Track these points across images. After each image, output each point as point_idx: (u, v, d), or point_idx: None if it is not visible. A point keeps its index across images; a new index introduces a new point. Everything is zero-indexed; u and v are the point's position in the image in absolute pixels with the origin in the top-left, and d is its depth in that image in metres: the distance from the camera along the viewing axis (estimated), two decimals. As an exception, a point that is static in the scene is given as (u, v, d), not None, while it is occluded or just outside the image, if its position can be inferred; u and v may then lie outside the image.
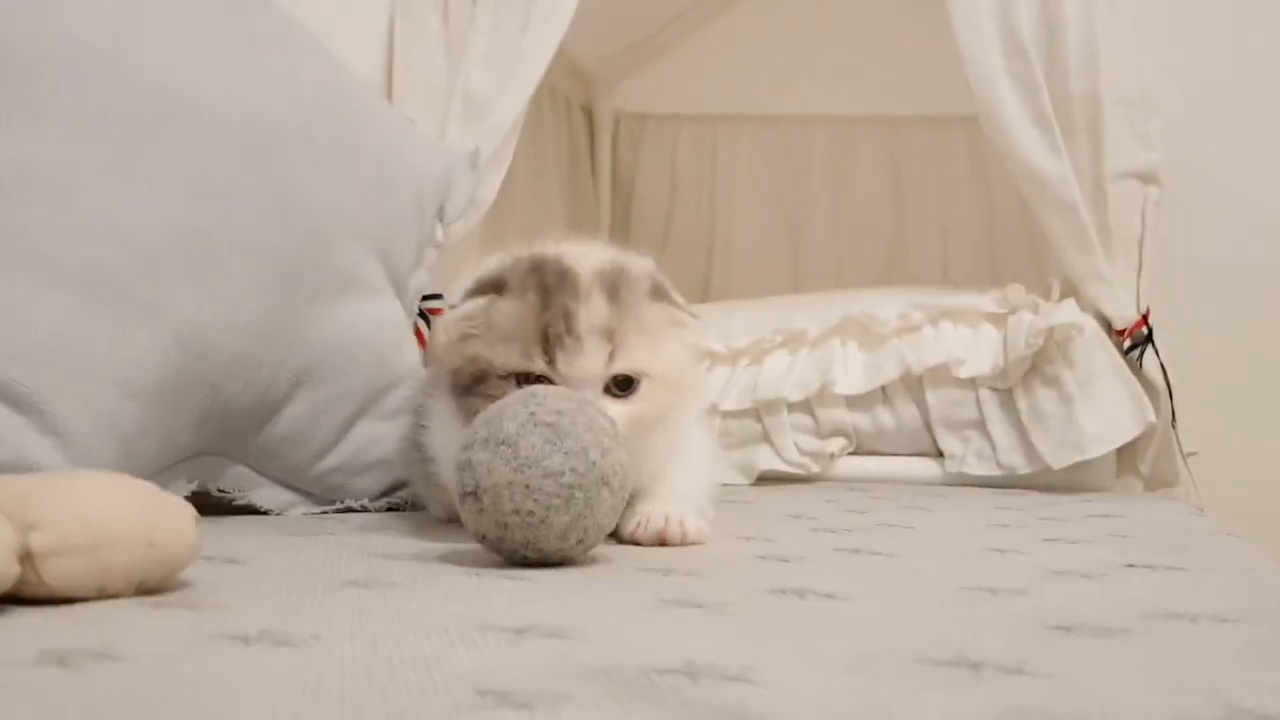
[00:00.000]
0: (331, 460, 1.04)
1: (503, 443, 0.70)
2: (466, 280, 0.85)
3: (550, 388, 0.78)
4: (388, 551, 0.78)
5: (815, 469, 1.47)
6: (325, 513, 1.04)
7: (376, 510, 1.07)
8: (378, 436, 1.07)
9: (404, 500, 1.09)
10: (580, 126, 2.30)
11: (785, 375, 1.50)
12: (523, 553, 0.71)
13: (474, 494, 0.71)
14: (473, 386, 0.82)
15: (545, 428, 0.70)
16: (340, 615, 0.54)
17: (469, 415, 0.79)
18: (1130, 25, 1.47)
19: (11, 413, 0.78)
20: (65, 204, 0.81)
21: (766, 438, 1.48)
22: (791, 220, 2.30)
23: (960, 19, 1.48)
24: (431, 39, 1.63)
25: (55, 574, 0.53)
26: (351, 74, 1.19)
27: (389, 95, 1.60)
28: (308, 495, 1.05)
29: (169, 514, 0.58)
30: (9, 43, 0.80)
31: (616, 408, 0.80)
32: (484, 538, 0.72)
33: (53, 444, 0.79)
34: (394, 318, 1.13)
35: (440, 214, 1.33)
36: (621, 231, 2.30)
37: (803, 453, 1.47)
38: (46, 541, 0.53)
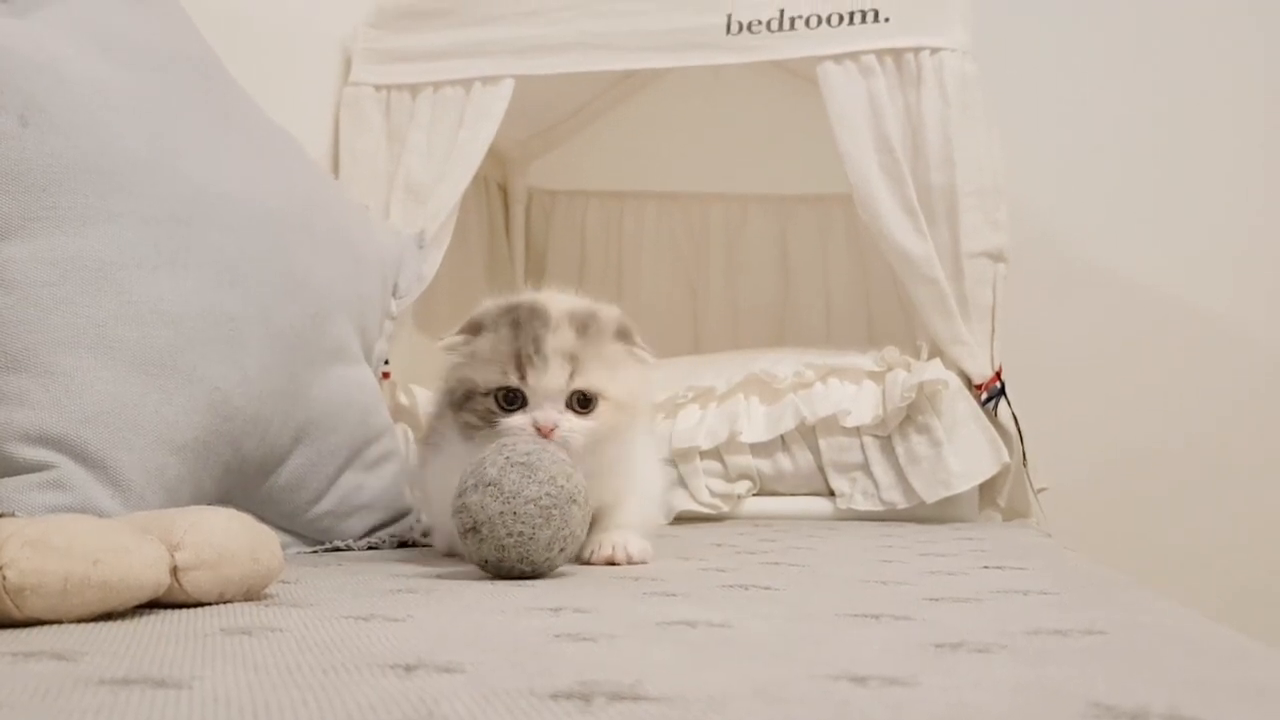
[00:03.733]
0: (323, 506, 1.19)
1: (489, 484, 0.87)
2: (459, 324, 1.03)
3: (517, 437, 0.94)
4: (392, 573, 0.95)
5: (725, 509, 1.64)
6: (315, 551, 1.20)
7: (359, 549, 1.23)
8: (361, 484, 1.23)
9: (382, 540, 1.26)
10: (497, 201, 2.44)
11: (697, 426, 1.66)
12: (519, 568, 0.87)
13: (474, 529, 0.87)
14: (463, 402, 1.00)
15: (520, 466, 0.88)
16: (408, 605, 0.71)
17: (462, 427, 0.99)
18: (983, 129, 1.66)
19: (81, 468, 0.93)
20: (123, 293, 0.97)
21: (682, 482, 1.64)
22: (691, 287, 2.43)
23: (837, 122, 1.67)
24: (375, 131, 1.78)
25: (192, 583, 0.70)
26: (326, 171, 1.37)
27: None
28: (300, 536, 1.20)
29: (265, 538, 0.75)
30: (75, 159, 0.95)
31: (577, 421, 0.98)
32: (486, 563, 0.88)
33: (112, 493, 0.94)
34: (370, 382, 1.30)
35: (394, 289, 1.50)
36: (535, 298, 2.45)
37: (714, 494, 1.65)
38: (187, 559, 0.69)
